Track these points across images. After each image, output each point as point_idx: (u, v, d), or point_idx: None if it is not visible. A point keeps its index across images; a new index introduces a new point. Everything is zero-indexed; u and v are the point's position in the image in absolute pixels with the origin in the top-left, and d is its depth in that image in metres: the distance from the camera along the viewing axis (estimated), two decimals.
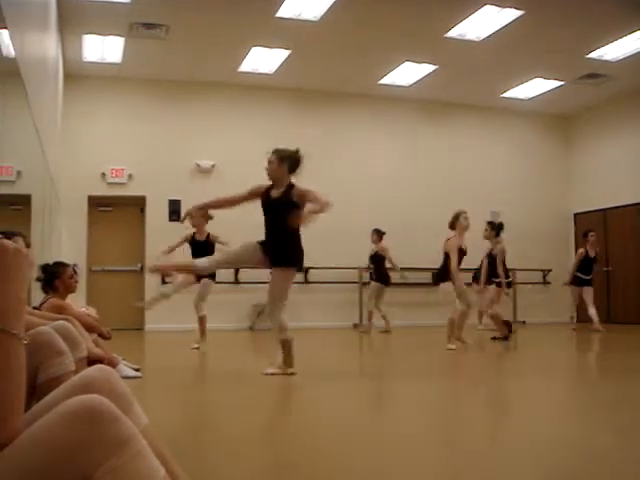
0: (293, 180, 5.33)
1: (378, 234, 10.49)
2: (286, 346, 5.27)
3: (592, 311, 10.29)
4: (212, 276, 7.71)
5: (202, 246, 7.59)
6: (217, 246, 7.57)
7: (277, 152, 5.33)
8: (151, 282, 10.92)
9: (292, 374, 5.21)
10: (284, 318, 5.27)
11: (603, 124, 12.92)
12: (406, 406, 4.12)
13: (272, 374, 5.17)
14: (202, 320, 7.71)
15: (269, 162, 5.32)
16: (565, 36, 9.44)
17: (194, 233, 7.72)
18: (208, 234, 7.66)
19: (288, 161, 5.28)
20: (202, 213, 7.33)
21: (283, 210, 5.16)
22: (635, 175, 12.00)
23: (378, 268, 10.52)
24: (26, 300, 1.38)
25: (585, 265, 10.39)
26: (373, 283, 10.57)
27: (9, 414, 1.23)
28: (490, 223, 8.78)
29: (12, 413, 1.24)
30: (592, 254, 10.40)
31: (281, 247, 5.23)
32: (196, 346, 7.56)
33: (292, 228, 5.14)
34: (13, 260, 1.31)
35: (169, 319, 10.58)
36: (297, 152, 5.35)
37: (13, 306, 1.29)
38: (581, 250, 10.53)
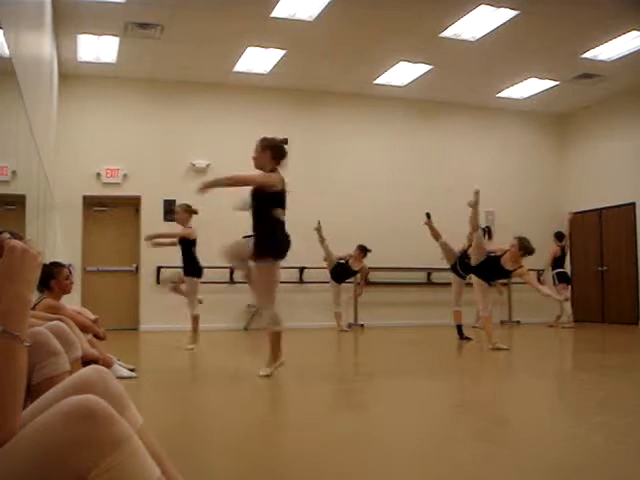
0: (279, 169, 5.34)
1: (362, 251, 10.59)
2: (275, 338, 5.27)
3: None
4: (197, 274, 7.71)
5: (190, 245, 7.62)
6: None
7: (262, 140, 5.36)
8: (146, 282, 10.93)
9: (281, 364, 5.24)
10: (276, 310, 5.29)
11: (598, 124, 12.94)
12: (396, 406, 4.13)
13: (266, 376, 5.17)
14: (195, 319, 7.73)
15: (254, 150, 5.34)
16: (560, 36, 9.46)
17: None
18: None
19: (271, 149, 5.29)
20: (186, 208, 7.62)
21: (262, 199, 5.18)
22: (630, 175, 12.03)
23: (346, 274, 10.73)
24: (32, 302, 1.38)
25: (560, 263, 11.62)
26: (339, 286, 10.82)
27: (9, 416, 1.23)
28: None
29: (12, 414, 1.24)
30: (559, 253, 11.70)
31: (259, 236, 5.22)
32: (190, 347, 7.56)
33: (268, 216, 5.17)
34: (20, 261, 1.30)
35: (164, 319, 10.57)
36: (282, 141, 5.35)
37: (17, 308, 1.28)
38: (554, 248, 11.61)
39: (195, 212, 7.68)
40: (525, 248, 7.27)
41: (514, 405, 4.21)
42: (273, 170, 5.28)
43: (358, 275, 11.05)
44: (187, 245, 7.65)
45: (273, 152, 5.29)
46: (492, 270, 7.57)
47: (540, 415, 3.80)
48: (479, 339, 8.63)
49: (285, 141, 5.37)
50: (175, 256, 7.88)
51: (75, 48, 9.91)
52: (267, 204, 5.21)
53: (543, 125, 13.74)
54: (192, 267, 7.67)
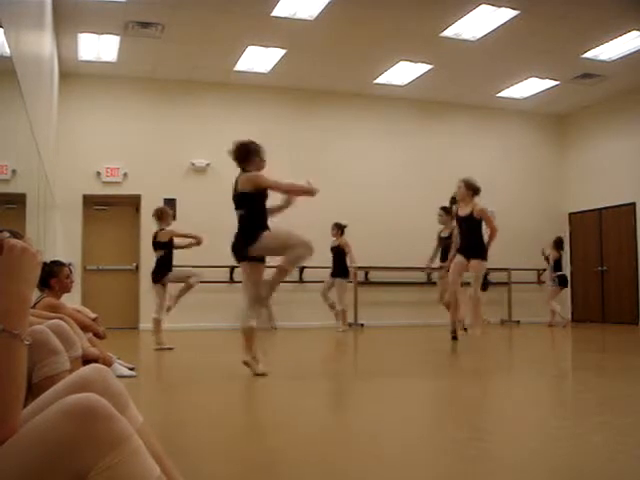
0: (263, 171, 5.41)
1: (339, 228, 10.50)
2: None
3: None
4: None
5: (164, 247, 7.61)
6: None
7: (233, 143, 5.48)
8: (147, 281, 10.87)
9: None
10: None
11: (598, 124, 12.95)
12: (395, 405, 4.13)
13: (262, 374, 5.21)
14: (157, 322, 7.73)
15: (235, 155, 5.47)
16: (560, 36, 9.46)
17: (156, 233, 7.77)
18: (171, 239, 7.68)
19: (235, 151, 5.40)
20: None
21: (261, 200, 5.27)
22: (630, 175, 12.03)
23: (338, 262, 10.51)
24: (32, 300, 1.38)
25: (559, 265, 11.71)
26: (337, 280, 10.51)
27: (9, 415, 1.23)
28: (444, 209, 9.12)
29: (12, 414, 1.23)
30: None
31: (246, 239, 5.23)
32: (159, 347, 7.56)
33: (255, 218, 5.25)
34: (19, 260, 1.30)
35: (163, 319, 10.55)
36: (247, 143, 5.42)
37: (17, 307, 1.28)
38: (555, 253, 11.65)
39: (173, 218, 7.88)
40: (473, 186, 7.60)
41: (513, 405, 4.20)
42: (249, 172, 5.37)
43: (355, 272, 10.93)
44: (170, 249, 7.63)
45: (237, 154, 5.39)
46: (462, 233, 7.69)
47: (540, 415, 3.80)
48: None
49: (251, 142, 5.46)
50: (177, 256, 7.86)
51: (76, 47, 9.91)
52: (264, 205, 5.32)
53: (543, 125, 13.74)
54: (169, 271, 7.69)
